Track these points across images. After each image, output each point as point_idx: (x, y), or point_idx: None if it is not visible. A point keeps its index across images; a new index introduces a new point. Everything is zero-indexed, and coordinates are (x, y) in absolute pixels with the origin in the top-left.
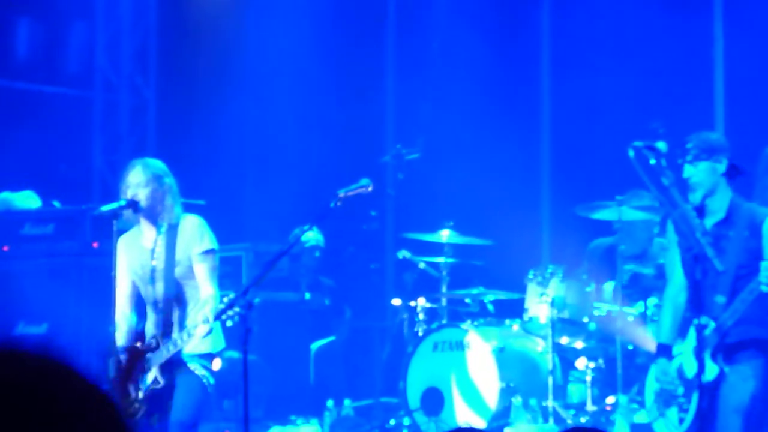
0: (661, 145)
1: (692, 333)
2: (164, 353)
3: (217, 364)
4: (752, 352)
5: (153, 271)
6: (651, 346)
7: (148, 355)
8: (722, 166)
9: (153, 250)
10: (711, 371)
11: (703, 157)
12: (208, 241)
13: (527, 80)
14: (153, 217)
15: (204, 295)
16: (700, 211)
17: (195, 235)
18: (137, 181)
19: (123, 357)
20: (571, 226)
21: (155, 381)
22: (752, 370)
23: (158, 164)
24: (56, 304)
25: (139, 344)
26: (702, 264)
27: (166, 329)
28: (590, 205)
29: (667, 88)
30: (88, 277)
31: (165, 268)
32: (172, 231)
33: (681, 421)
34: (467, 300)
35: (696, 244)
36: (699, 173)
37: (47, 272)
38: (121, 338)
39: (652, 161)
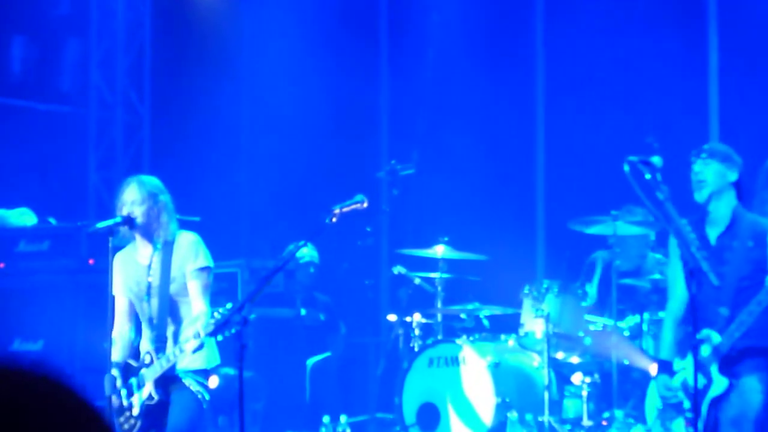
0: (656, 160)
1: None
2: (158, 369)
3: (214, 382)
4: (758, 363)
5: (148, 287)
6: (644, 363)
7: (143, 371)
8: (733, 175)
9: (149, 267)
10: (719, 385)
11: (716, 159)
12: (203, 258)
13: (521, 96)
14: (149, 234)
15: (196, 311)
16: (703, 220)
17: (190, 252)
18: (132, 198)
19: (118, 373)
20: (566, 241)
21: (149, 397)
22: (758, 382)
23: (153, 181)
24: (52, 321)
25: (132, 361)
26: (697, 278)
27: (160, 345)
28: (585, 219)
29: (662, 103)
30: (84, 294)
31: (160, 284)
32: (168, 248)
33: None
34: (462, 315)
35: (691, 258)
36: (708, 172)
37: (43, 289)
38: (116, 354)
39: (647, 176)
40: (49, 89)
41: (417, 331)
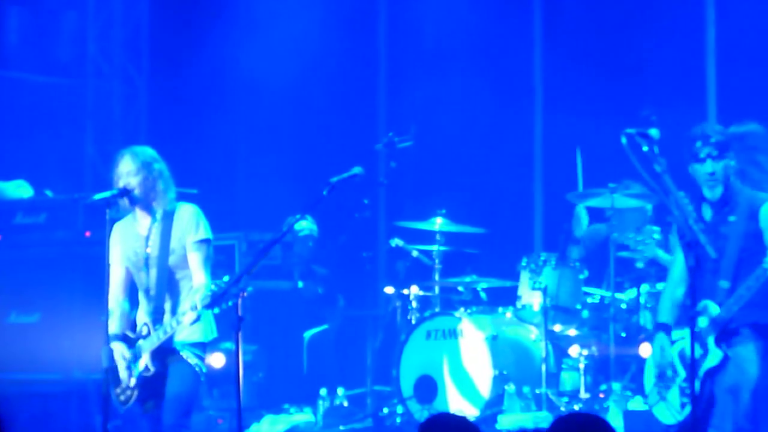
0: (654, 132)
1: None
2: (155, 340)
3: (220, 360)
4: (753, 334)
5: (147, 258)
6: None
7: (140, 342)
8: (733, 162)
9: (147, 238)
10: (714, 356)
11: (726, 155)
12: (203, 230)
13: (520, 68)
14: (147, 205)
15: (196, 283)
16: (700, 195)
17: (190, 223)
18: (127, 169)
19: (115, 345)
20: (564, 214)
21: (146, 368)
22: (754, 354)
23: (147, 151)
24: (48, 293)
25: (130, 332)
26: (695, 251)
27: (157, 317)
28: (582, 192)
29: (661, 76)
30: (81, 266)
31: (159, 255)
32: (168, 219)
33: (683, 405)
34: (460, 288)
35: (689, 231)
36: (720, 170)
37: (39, 261)
38: (114, 326)
39: (645, 148)
40: (46, 61)
41: (414, 304)
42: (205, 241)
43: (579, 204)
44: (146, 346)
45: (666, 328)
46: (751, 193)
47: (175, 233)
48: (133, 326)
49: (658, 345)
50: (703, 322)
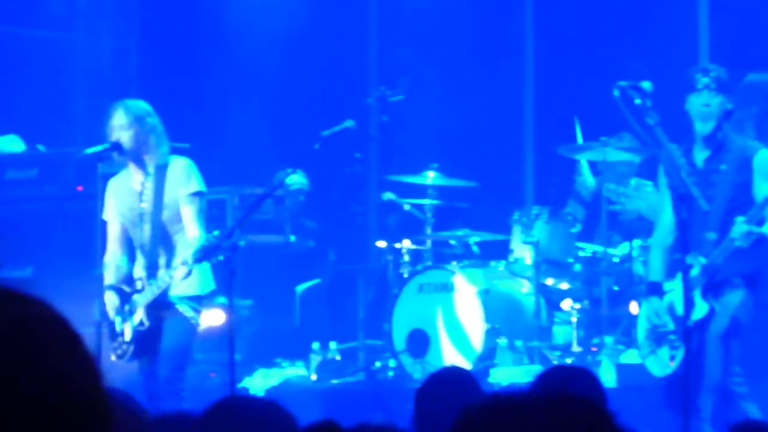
0: (646, 85)
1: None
2: (149, 294)
3: (220, 317)
4: (739, 283)
5: (141, 214)
6: None
7: (134, 296)
8: (730, 104)
9: (141, 193)
10: (701, 309)
11: (722, 91)
12: (195, 183)
13: (510, 20)
14: (139, 159)
15: (190, 236)
16: (692, 145)
17: (182, 177)
18: (120, 123)
19: (113, 295)
20: (556, 167)
21: (141, 323)
22: (739, 301)
23: (140, 105)
24: (40, 248)
25: (125, 287)
26: (687, 203)
27: (152, 272)
28: (574, 145)
29: (653, 28)
30: (73, 220)
31: (153, 211)
32: (160, 173)
33: (672, 358)
34: (452, 241)
35: (681, 183)
36: (716, 105)
37: (31, 216)
38: (109, 277)
39: (637, 101)
40: (35, 14)
41: (406, 258)
42: (198, 194)
43: (582, 160)
44: (141, 301)
45: (658, 290)
46: (744, 141)
47: (168, 187)
48: (130, 280)
49: (651, 305)
50: (693, 271)
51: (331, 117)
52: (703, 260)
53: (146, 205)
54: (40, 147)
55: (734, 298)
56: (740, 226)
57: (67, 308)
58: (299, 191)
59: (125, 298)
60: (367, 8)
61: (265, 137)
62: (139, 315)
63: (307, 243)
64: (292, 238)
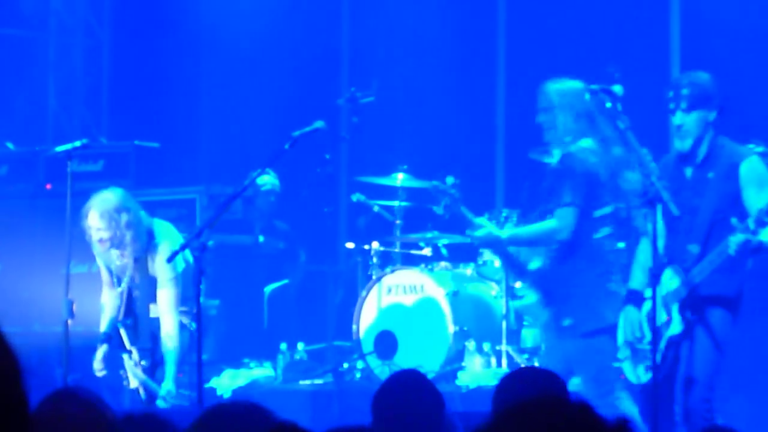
0: (618, 89)
1: (665, 280)
2: (135, 381)
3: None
4: (717, 305)
5: (130, 295)
6: None
7: (128, 370)
8: (713, 114)
9: (124, 270)
10: (676, 325)
11: (697, 106)
12: (173, 267)
13: (482, 23)
14: (122, 248)
15: (164, 333)
16: (678, 155)
17: (162, 266)
18: (96, 225)
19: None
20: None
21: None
22: (717, 324)
23: (114, 200)
24: (9, 245)
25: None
26: (657, 209)
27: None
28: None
29: (624, 32)
30: (41, 218)
31: (139, 293)
32: (141, 263)
33: (646, 369)
34: (421, 244)
35: (651, 187)
36: (691, 122)
37: (0, 214)
38: (103, 324)
39: (608, 104)
40: (7, 13)
41: (375, 259)
42: (174, 279)
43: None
44: (132, 381)
45: (637, 298)
46: (733, 147)
47: (151, 270)
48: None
49: (628, 317)
50: (673, 284)
51: (301, 117)
52: (681, 275)
53: (136, 293)
54: (10, 145)
55: (714, 318)
56: (737, 236)
57: (35, 307)
58: (271, 192)
59: (117, 346)
60: (339, 9)
61: (236, 137)
62: (134, 383)
63: (277, 244)
64: (262, 238)
